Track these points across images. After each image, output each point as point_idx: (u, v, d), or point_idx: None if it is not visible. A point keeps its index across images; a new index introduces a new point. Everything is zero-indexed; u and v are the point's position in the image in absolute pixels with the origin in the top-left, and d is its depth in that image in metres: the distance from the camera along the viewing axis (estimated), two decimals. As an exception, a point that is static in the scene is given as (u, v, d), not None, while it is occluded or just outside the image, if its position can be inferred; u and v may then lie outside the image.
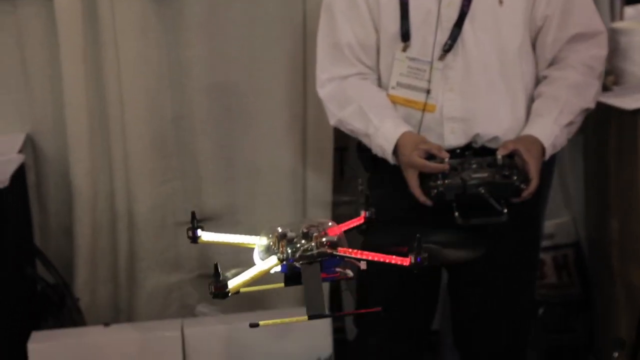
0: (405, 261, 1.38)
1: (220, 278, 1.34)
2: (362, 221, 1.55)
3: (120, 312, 3.42)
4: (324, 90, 2.69)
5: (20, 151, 3.19)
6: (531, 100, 2.62)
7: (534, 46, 2.64)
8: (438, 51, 2.56)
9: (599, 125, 3.22)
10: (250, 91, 3.34)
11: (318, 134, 3.32)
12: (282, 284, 1.44)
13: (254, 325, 1.33)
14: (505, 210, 2.47)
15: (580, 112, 2.60)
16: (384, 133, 2.55)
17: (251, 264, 1.46)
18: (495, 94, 2.57)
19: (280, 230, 1.41)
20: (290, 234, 1.40)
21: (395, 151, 2.54)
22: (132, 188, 3.30)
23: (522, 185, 2.46)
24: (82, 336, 3.19)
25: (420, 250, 1.37)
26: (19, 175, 3.16)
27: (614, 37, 3.16)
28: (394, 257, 1.39)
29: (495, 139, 2.57)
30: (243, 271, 1.38)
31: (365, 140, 2.63)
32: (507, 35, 2.57)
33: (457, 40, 2.54)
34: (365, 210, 1.55)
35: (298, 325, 2.79)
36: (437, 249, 1.44)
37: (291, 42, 3.28)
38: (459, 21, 2.54)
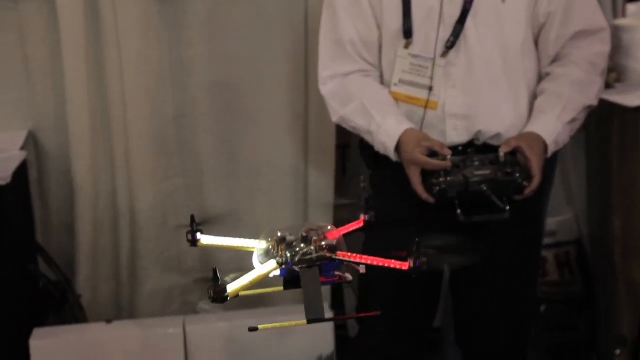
0: (404, 265, 1.38)
1: (219, 282, 1.34)
2: (361, 225, 1.55)
3: (122, 309, 3.42)
4: (326, 87, 2.69)
5: (22, 148, 3.18)
6: (534, 97, 2.62)
7: (536, 43, 2.63)
8: (440, 48, 2.56)
9: (602, 123, 3.21)
10: (251, 89, 3.33)
11: (320, 131, 3.32)
12: (282, 288, 1.43)
13: (253, 329, 1.32)
14: (508, 208, 2.47)
15: (583, 109, 2.59)
16: (386, 130, 2.55)
17: (252, 261, 1.46)
18: (497, 91, 2.57)
19: (279, 234, 1.41)
20: (289, 238, 1.40)
21: (398, 148, 2.54)
22: (134, 186, 3.29)
23: (525, 183, 2.46)
24: (84, 333, 3.19)
25: (419, 255, 1.37)
26: (21, 172, 3.16)
27: (616, 35, 3.15)
28: (393, 261, 1.39)
29: (497, 136, 2.57)
30: (242, 275, 1.37)
31: (367, 138, 2.63)
32: (510, 32, 2.56)
33: (459, 37, 2.54)
34: (365, 213, 1.55)
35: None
36: (435, 253, 1.44)
37: (293, 39, 3.28)
38: (462, 18, 2.54)
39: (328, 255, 1.39)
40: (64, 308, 3.30)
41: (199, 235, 1.51)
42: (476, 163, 2.49)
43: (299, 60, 3.28)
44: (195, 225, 1.51)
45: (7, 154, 3.11)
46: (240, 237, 1.54)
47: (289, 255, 1.39)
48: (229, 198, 3.40)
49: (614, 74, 3.25)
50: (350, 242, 1.50)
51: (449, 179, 2.46)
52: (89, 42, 3.17)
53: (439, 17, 2.55)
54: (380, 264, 1.40)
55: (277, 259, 1.40)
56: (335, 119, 2.70)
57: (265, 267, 1.40)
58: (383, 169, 2.66)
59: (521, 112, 2.59)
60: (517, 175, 2.46)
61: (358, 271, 1.43)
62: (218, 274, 1.34)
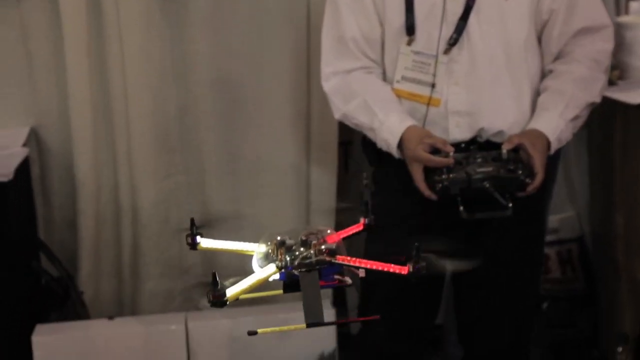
0: (404, 270, 1.38)
1: (219, 287, 1.34)
2: (361, 228, 1.55)
3: (124, 305, 3.42)
4: (329, 84, 2.69)
5: (24, 144, 3.19)
6: (537, 94, 2.62)
7: (539, 40, 2.63)
8: (443, 45, 2.56)
9: (604, 120, 3.21)
10: (254, 86, 3.33)
11: (322, 128, 3.32)
12: (281, 291, 1.43)
13: (252, 333, 1.32)
14: (510, 205, 2.47)
15: (586, 106, 2.59)
16: (389, 127, 2.55)
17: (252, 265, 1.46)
18: (500, 88, 2.57)
19: (279, 237, 1.41)
20: (289, 242, 1.40)
21: (400, 145, 2.54)
22: (136, 182, 3.29)
23: (527, 180, 2.46)
24: (86, 329, 3.19)
25: (419, 260, 1.37)
26: (23, 168, 3.17)
27: (619, 32, 3.14)
28: (392, 265, 1.38)
29: (500, 133, 2.56)
30: (241, 279, 1.37)
31: (370, 134, 2.63)
32: (513, 28, 2.56)
33: (462, 34, 2.54)
34: (365, 217, 1.55)
35: (301, 319, 2.80)
36: (436, 258, 1.43)
37: (295, 36, 3.28)
38: (464, 15, 2.54)
39: (327, 259, 1.39)
40: (66, 304, 3.31)
41: (198, 239, 1.51)
42: (479, 160, 2.49)
43: (301, 57, 3.28)
44: (195, 229, 1.51)
45: (9, 151, 3.11)
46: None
47: (288, 259, 1.39)
48: (231, 195, 3.40)
49: (617, 71, 3.25)
50: (350, 243, 1.51)
51: (451, 176, 2.46)
52: (90, 36, 3.18)
53: (441, 13, 2.55)
54: (380, 268, 1.39)
55: (277, 262, 1.40)
56: (337, 115, 2.70)
57: (264, 271, 1.39)
58: (385, 166, 2.66)
59: (524, 109, 2.59)
60: (520, 172, 2.46)
61: (358, 275, 1.43)
62: (217, 278, 1.34)
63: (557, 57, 2.62)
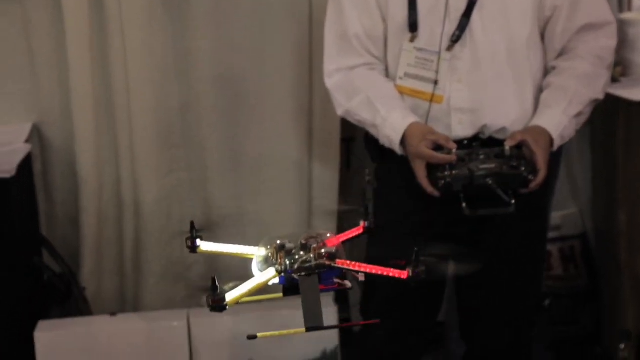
0: (403, 274, 1.38)
1: (218, 291, 1.34)
2: (361, 231, 1.55)
3: (126, 302, 3.43)
4: (332, 80, 2.69)
5: (26, 141, 3.19)
6: (540, 90, 2.61)
7: (542, 36, 2.62)
8: (446, 42, 2.55)
9: (607, 117, 3.20)
10: (256, 81, 3.33)
11: (325, 124, 3.31)
12: (281, 294, 1.43)
13: (252, 337, 1.33)
14: (513, 201, 2.47)
15: (589, 102, 2.58)
16: (391, 123, 2.55)
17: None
18: (503, 85, 2.56)
19: (278, 241, 1.41)
20: (288, 246, 1.40)
21: (403, 142, 2.54)
22: (138, 178, 3.29)
23: (530, 176, 2.46)
24: (88, 325, 3.20)
25: (418, 264, 1.36)
26: (26, 164, 3.16)
27: (622, 28, 3.14)
28: (391, 270, 1.38)
29: (503, 129, 2.56)
30: (241, 283, 1.37)
31: (372, 131, 2.63)
32: (516, 25, 2.55)
33: (465, 31, 2.53)
34: (365, 220, 1.54)
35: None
36: (437, 262, 1.43)
37: (297, 32, 3.27)
38: (468, 11, 2.53)
39: (327, 263, 1.39)
40: (69, 300, 3.31)
41: (198, 242, 1.51)
42: (481, 157, 2.49)
43: (304, 53, 3.27)
44: (195, 232, 1.51)
45: (11, 147, 3.12)
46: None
47: (288, 263, 1.39)
48: (233, 192, 3.39)
49: (620, 67, 3.25)
50: (352, 245, 1.50)
51: (454, 172, 2.46)
52: (93, 31, 3.17)
53: (444, 10, 2.54)
54: (379, 273, 1.39)
55: (276, 266, 1.40)
56: (340, 112, 2.70)
57: (264, 275, 1.40)
58: (388, 163, 2.66)
59: (527, 106, 2.58)
60: (523, 169, 2.45)
61: (357, 278, 1.43)
62: (217, 283, 1.34)
63: (560, 54, 2.61)
